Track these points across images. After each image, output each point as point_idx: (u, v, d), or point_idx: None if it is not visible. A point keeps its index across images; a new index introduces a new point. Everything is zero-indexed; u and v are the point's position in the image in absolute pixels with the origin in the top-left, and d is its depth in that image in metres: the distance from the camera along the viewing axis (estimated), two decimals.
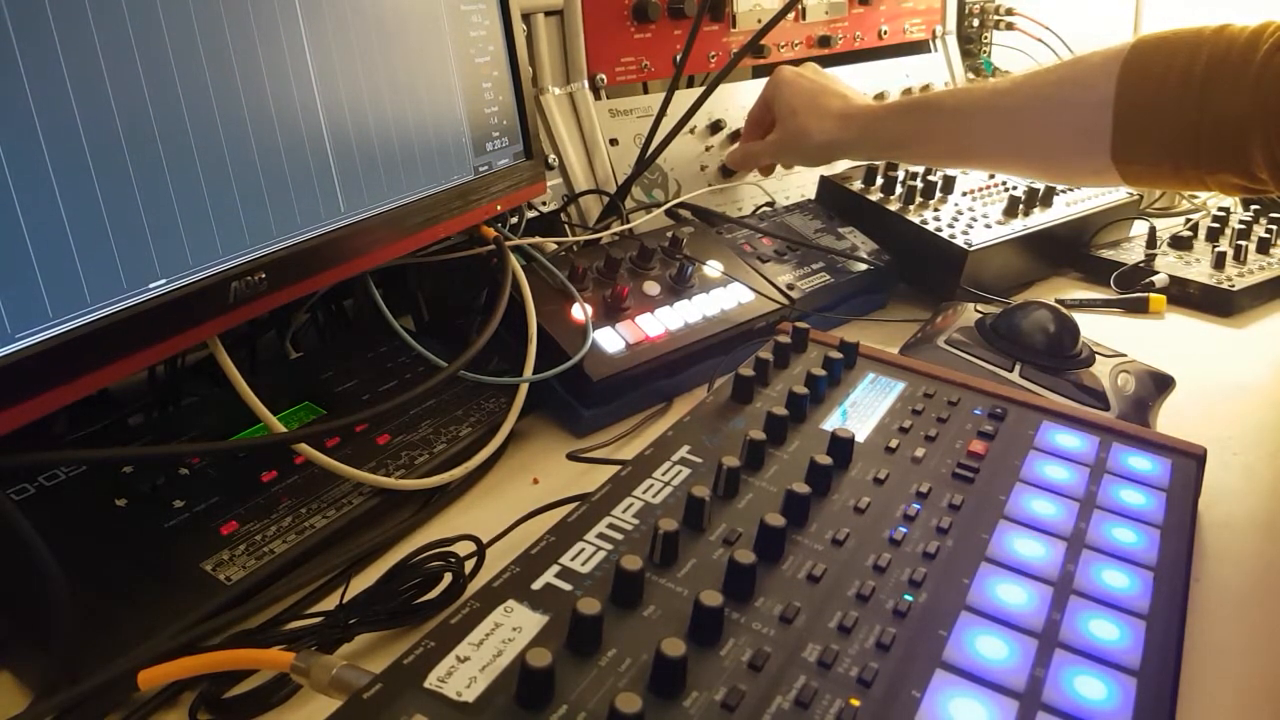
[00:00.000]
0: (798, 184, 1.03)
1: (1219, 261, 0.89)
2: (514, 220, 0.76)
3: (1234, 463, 0.61)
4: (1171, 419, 0.65)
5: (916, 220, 0.86)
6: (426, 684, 0.33)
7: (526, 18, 0.86)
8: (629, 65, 0.94)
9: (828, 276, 0.82)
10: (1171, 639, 0.40)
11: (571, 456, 0.61)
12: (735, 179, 0.98)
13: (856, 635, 0.38)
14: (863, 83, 1.12)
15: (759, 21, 1.03)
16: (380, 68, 0.57)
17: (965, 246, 0.83)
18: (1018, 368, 0.66)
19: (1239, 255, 0.90)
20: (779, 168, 0.99)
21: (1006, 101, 0.74)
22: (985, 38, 1.29)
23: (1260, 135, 0.60)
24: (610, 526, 0.43)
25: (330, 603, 0.47)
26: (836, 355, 0.59)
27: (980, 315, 0.72)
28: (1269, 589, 0.50)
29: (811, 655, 0.36)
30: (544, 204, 0.85)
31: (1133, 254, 0.93)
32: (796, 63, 0.92)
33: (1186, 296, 0.87)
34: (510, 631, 0.36)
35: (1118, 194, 0.98)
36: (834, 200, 0.92)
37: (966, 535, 0.45)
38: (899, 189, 0.90)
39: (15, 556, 0.40)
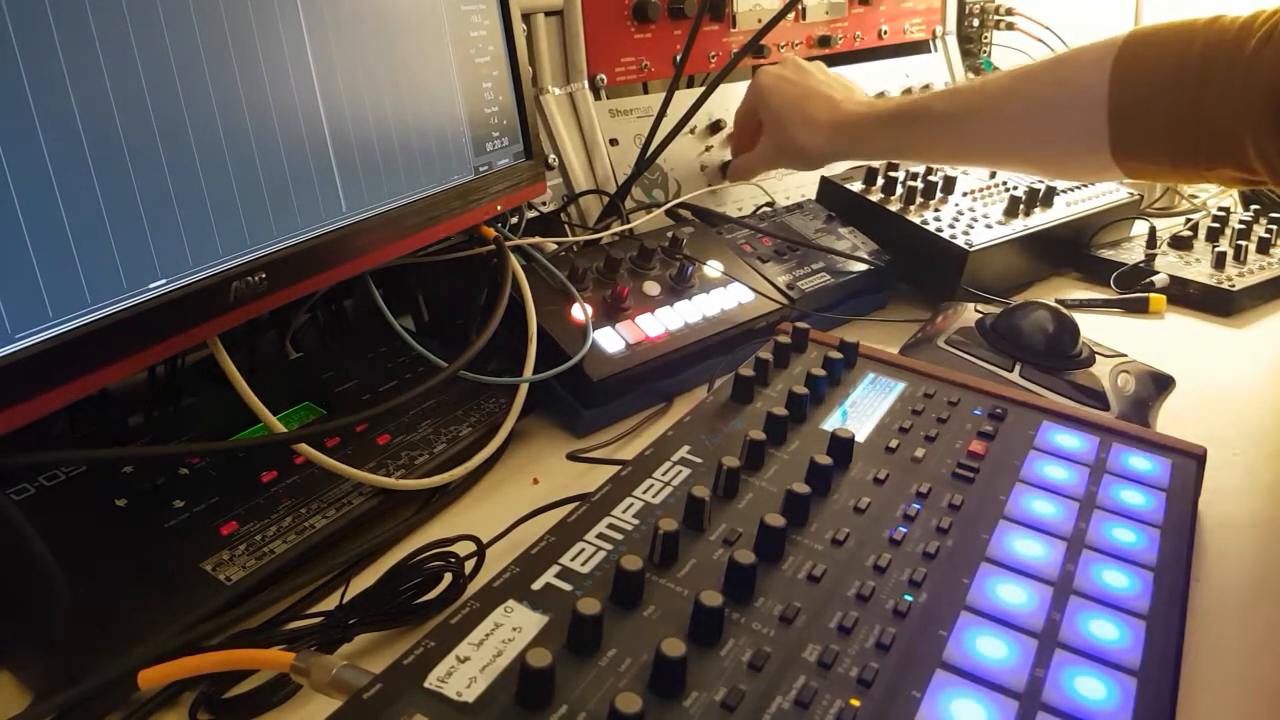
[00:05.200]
0: (798, 184, 1.03)
1: (1219, 261, 0.89)
2: (514, 220, 0.76)
3: (1234, 463, 0.61)
4: (1171, 419, 0.65)
5: (917, 220, 0.86)
6: (426, 684, 0.33)
7: (526, 18, 0.86)
8: (629, 65, 0.94)
9: (828, 276, 0.82)
10: (1171, 639, 0.40)
11: (571, 456, 0.61)
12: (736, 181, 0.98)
13: (856, 635, 0.38)
14: (863, 83, 1.12)
15: (759, 21, 1.03)
16: (381, 67, 0.57)
17: (965, 246, 0.83)
18: (1018, 368, 0.66)
19: (1239, 255, 0.90)
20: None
21: (999, 107, 0.73)
22: (985, 38, 1.29)
23: (1250, 128, 0.59)
24: (610, 526, 0.43)
25: (330, 603, 0.47)
26: (836, 355, 0.59)
27: (980, 315, 0.72)
28: (1269, 589, 0.50)
29: (811, 655, 0.36)
30: (544, 204, 0.85)
31: (1133, 254, 0.93)
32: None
33: (1186, 296, 0.87)
34: (510, 631, 0.36)
35: (1118, 194, 0.98)
36: (834, 200, 0.92)
37: (966, 535, 0.45)
38: (899, 189, 0.90)
39: (15, 556, 0.40)
